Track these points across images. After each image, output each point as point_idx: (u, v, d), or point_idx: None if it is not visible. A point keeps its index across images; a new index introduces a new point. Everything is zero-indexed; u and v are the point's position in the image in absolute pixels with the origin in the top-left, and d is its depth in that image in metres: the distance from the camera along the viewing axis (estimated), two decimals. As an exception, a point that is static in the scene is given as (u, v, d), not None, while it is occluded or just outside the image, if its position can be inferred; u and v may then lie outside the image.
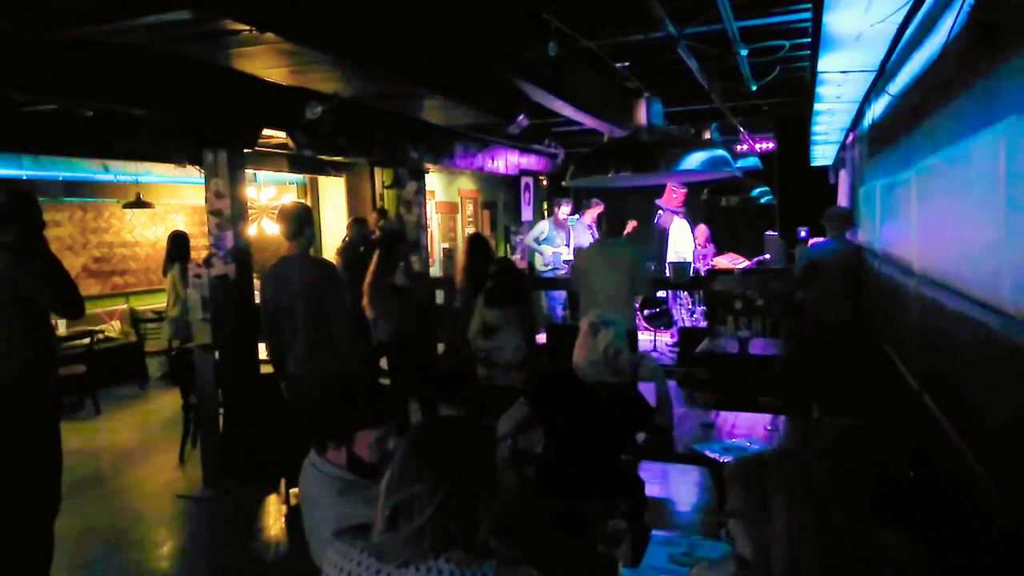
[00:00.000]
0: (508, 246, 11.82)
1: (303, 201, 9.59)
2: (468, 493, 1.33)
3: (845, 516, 1.33)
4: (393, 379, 5.45)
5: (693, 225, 10.02)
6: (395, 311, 5.32)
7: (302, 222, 4.10)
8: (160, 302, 8.47)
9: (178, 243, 7.05)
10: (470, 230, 11.79)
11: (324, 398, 2.15)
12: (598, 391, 2.92)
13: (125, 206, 8.62)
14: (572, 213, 9.54)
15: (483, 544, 1.32)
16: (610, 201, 9.45)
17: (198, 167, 5.11)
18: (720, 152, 7.17)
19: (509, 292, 4.74)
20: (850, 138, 6.78)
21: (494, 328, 4.69)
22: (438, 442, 1.40)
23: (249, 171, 7.50)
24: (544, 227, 8.91)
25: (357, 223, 7.45)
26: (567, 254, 8.63)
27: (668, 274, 8.40)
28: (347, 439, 1.94)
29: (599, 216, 7.15)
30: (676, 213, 9.92)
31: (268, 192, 9.89)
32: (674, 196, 9.98)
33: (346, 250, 7.24)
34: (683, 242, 9.76)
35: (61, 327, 7.34)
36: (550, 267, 8.62)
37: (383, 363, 5.64)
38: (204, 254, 5.75)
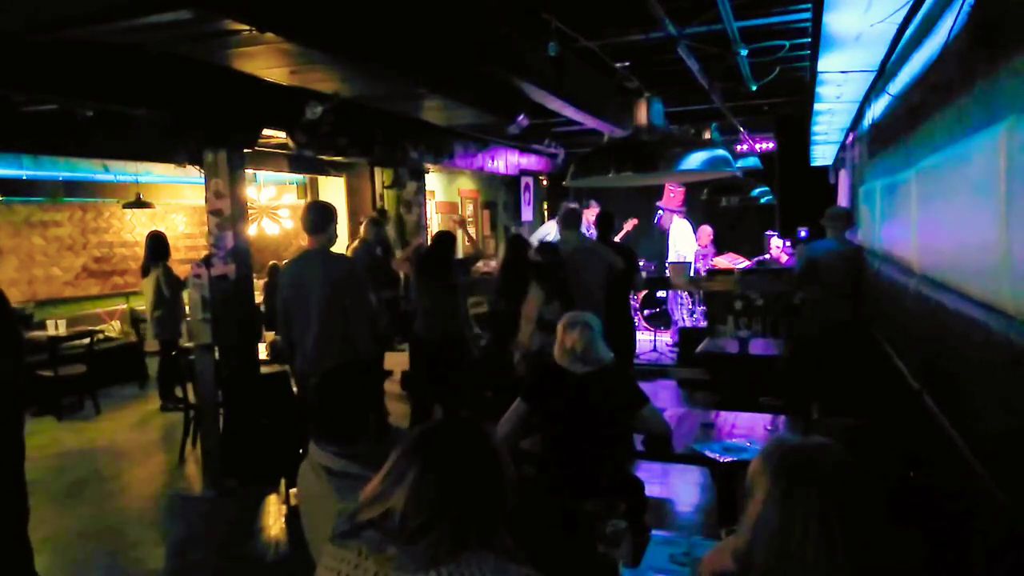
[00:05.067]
0: (508, 246, 11.81)
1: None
2: (482, 501, 1.32)
3: (818, 523, 1.27)
4: (423, 377, 5.47)
5: (696, 225, 10.03)
6: (439, 309, 5.38)
7: (327, 218, 4.13)
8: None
9: (158, 243, 6.96)
10: (470, 230, 11.78)
11: (323, 388, 2.14)
12: (588, 379, 2.98)
13: (125, 206, 8.63)
14: None
15: (499, 545, 1.31)
16: (607, 201, 9.45)
17: (198, 167, 5.11)
18: (720, 152, 7.17)
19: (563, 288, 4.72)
20: (850, 138, 6.77)
21: (552, 324, 4.66)
22: (445, 451, 1.36)
23: (249, 171, 7.50)
24: (551, 228, 8.90)
25: (374, 223, 7.36)
26: None
27: (668, 274, 8.41)
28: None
29: (596, 217, 7.18)
30: (676, 212, 9.93)
31: (268, 192, 9.90)
32: (672, 195, 9.98)
33: (362, 251, 7.14)
34: (685, 242, 9.77)
35: (62, 327, 7.35)
36: None
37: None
38: (203, 254, 5.77)
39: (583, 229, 9.01)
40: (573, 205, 7.41)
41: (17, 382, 3.28)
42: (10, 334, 3.27)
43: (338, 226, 4.29)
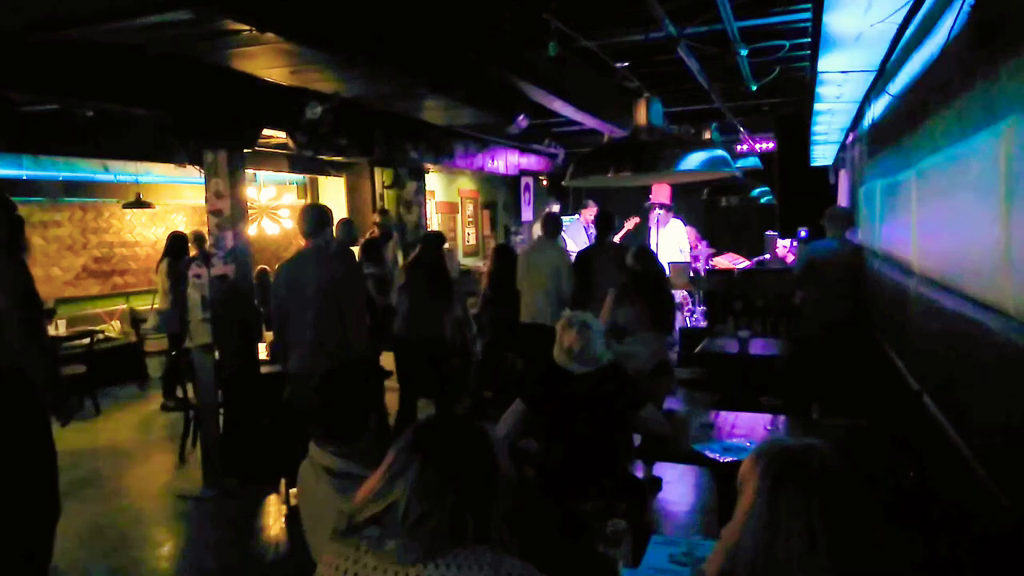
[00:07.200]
0: (507, 246, 11.83)
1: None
2: (478, 492, 1.34)
3: (803, 524, 1.28)
4: (409, 378, 5.46)
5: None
6: (421, 311, 5.37)
7: (322, 221, 4.16)
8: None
9: (173, 242, 7.30)
10: (470, 230, 11.79)
11: (324, 388, 2.15)
12: (587, 379, 2.98)
13: (125, 206, 8.62)
14: (563, 213, 9.55)
15: (496, 539, 1.33)
16: (605, 201, 9.44)
17: (198, 167, 5.11)
18: (720, 152, 7.17)
19: (647, 289, 4.64)
20: (850, 138, 6.77)
21: (624, 331, 4.47)
22: (444, 443, 1.39)
23: (249, 171, 7.49)
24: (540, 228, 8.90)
25: (345, 223, 7.36)
26: None
27: (668, 274, 8.40)
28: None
29: (595, 216, 7.21)
30: (667, 208, 9.89)
31: (268, 192, 9.89)
32: (660, 190, 9.94)
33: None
34: (681, 242, 9.75)
35: (61, 327, 7.35)
36: None
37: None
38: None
39: (583, 228, 9.05)
40: (553, 210, 7.41)
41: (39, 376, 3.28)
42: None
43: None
